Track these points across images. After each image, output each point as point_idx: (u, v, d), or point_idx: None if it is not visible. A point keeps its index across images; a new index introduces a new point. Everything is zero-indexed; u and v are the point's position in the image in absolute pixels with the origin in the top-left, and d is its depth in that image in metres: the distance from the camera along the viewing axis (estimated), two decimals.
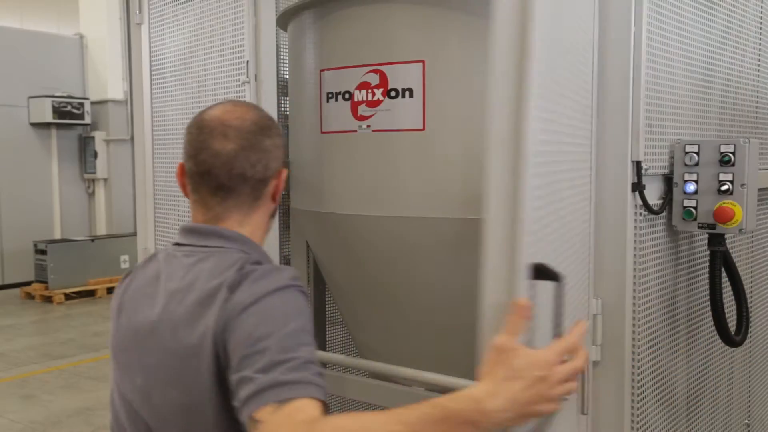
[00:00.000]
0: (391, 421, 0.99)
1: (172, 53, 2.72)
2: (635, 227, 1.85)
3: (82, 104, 10.16)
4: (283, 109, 3.03)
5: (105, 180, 10.50)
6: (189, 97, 2.66)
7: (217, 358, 1.19)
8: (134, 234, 2.96)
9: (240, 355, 1.11)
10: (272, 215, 1.45)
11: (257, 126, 1.34)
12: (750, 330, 2.37)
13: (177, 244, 1.38)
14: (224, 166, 1.31)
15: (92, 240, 9.69)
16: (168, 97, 2.74)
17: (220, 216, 1.35)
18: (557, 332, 1.05)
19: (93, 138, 10.33)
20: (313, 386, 1.07)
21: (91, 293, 9.35)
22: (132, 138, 9.89)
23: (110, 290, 8.99)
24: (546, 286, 1.03)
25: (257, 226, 1.38)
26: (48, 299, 9.11)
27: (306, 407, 1.03)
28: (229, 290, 1.20)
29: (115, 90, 10.33)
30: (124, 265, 9.57)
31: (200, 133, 1.33)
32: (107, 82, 10.31)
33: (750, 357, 2.69)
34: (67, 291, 9.16)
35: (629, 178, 1.81)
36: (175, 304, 1.26)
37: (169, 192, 2.74)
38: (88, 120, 10.26)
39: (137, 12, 2.79)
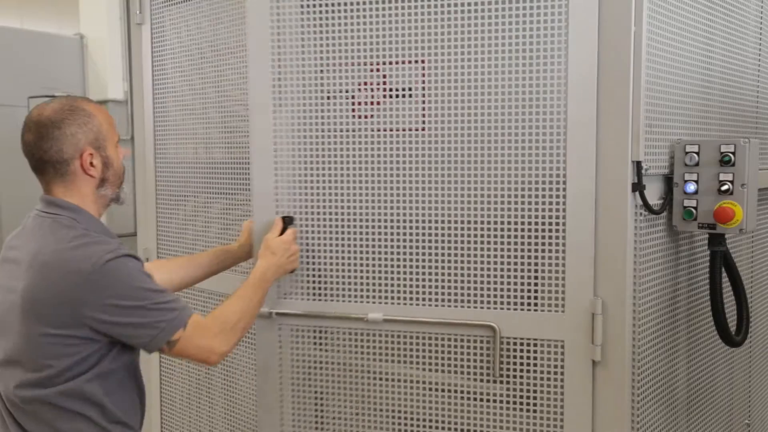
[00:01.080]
0: (240, 293, 1.86)
1: (179, 53, 2.72)
2: (635, 227, 1.85)
3: None
4: None
5: None
6: (197, 97, 2.67)
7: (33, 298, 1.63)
8: (134, 234, 2.96)
9: (118, 310, 1.61)
10: (100, 187, 1.78)
11: (50, 120, 1.72)
12: (750, 330, 2.37)
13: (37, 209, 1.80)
14: (28, 152, 1.75)
15: None
16: (170, 96, 2.74)
17: (47, 189, 1.78)
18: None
19: None
20: (186, 309, 1.70)
21: None
22: (132, 138, 9.86)
23: None
24: (289, 221, 2.07)
25: (83, 196, 1.76)
26: None
27: (194, 317, 1.70)
28: (61, 259, 1.61)
29: (115, 90, 10.28)
30: None
31: (23, 126, 1.77)
32: (107, 82, 10.27)
33: (750, 357, 2.69)
34: None
35: (629, 178, 1.81)
36: (19, 252, 1.71)
37: (171, 192, 2.74)
38: None
39: (137, 12, 2.79)
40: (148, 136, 2.80)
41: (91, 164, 1.74)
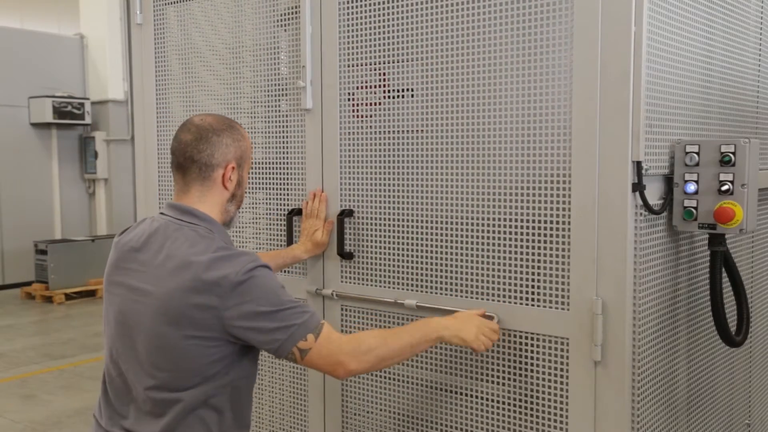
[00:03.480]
0: (399, 328, 1.87)
1: (183, 51, 2.72)
2: (635, 227, 1.85)
3: (82, 104, 10.15)
4: None
5: (105, 180, 10.49)
6: (205, 96, 2.66)
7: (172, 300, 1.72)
8: None
9: (256, 315, 1.70)
10: (229, 201, 1.89)
11: (211, 126, 1.85)
12: (750, 330, 2.37)
13: (162, 213, 1.88)
14: (180, 150, 1.85)
15: (92, 240, 9.69)
16: (174, 96, 2.74)
17: (184, 189, 1.87)
18: None
19: (93, 138, 10.32)
20: (316, 315, 1.77)
21: (91, 293, 9.34)
22: (132, 138, 9.88)
23: None
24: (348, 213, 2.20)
25: (214, 205, 1.87)
26: (48, 299, 9.11)
27: (326, 328, 1.76)
28: (207, 267, 1.70)
29: (116, 90, 10.32)
30: None
31: (178, 129, 1.89)
32: (107, 82, 10.30)
33: (750, 357, 2.69)
34: (68, 291, 9.16)
35: (629, 178, 1.81)
36: (151, 255, 1.79)
37: (172, 192, 2.74)
38: (88, 120, 10.25)
39: (137, 12, 2.79)
40: (150, 136, 2.81)
41: (230, 178, 1.87)
